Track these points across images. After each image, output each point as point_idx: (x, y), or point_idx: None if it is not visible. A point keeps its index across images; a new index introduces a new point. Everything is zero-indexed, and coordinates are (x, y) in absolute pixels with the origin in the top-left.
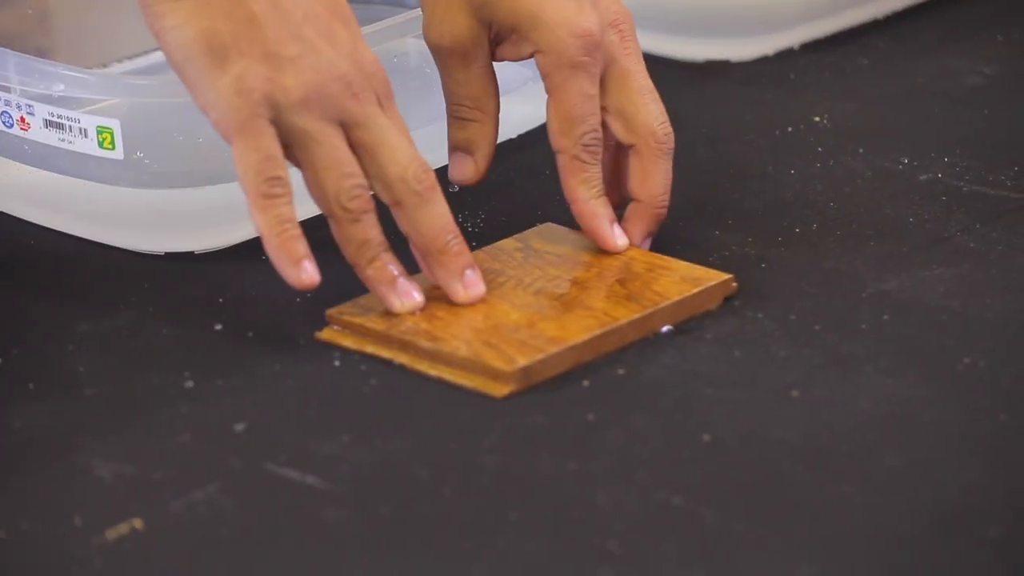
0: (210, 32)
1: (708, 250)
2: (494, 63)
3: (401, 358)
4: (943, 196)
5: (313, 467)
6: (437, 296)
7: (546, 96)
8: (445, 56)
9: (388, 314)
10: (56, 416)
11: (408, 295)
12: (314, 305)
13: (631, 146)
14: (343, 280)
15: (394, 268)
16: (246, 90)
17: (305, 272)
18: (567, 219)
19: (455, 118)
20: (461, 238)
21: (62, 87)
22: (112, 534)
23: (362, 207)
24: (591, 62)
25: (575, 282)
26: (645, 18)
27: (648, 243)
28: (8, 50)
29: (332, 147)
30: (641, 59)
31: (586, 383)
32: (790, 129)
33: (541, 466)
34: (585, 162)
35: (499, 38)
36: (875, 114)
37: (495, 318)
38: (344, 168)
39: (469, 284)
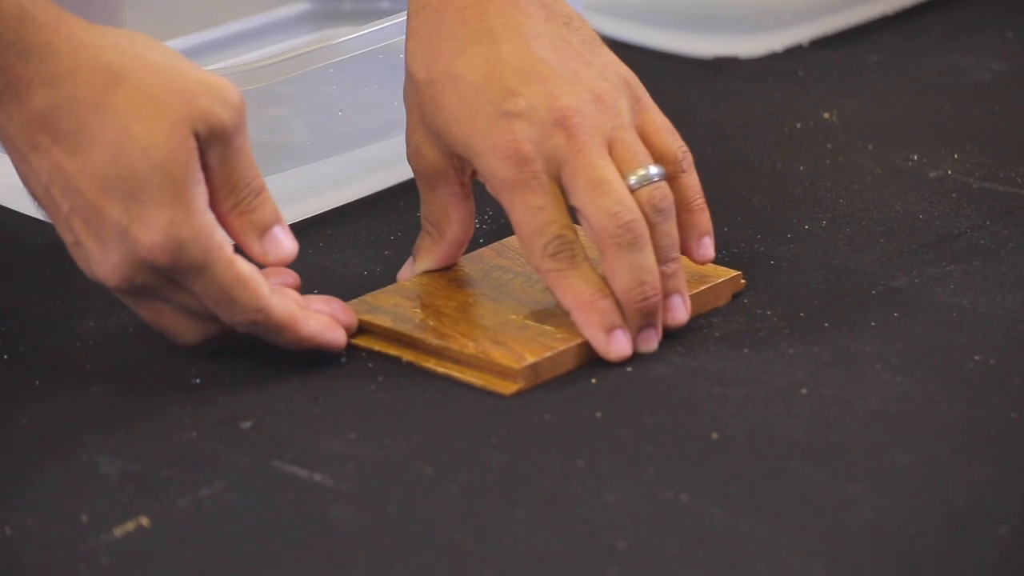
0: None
1: (717, 246)
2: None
3: (408, 355)
4: (953, 193)
5: (320, 465)
6: (443, 293)
7: None
8: (416, 175)
9: (395, 312)
10: (62, 413)
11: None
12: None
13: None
14: (345, 278)
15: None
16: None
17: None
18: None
19: (423, 227)
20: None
21: None
22: (119, 531)
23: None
24: (527, 175)
25: None
26: (655, 14)
27: (652, 336)
28: None
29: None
30: (599, 144)
31: (594, 380)
32: (799, 125)
33: (549, 464)
34: (560, 270)
35: (469, 164)
36: (884, 110)
37: (502, 315)
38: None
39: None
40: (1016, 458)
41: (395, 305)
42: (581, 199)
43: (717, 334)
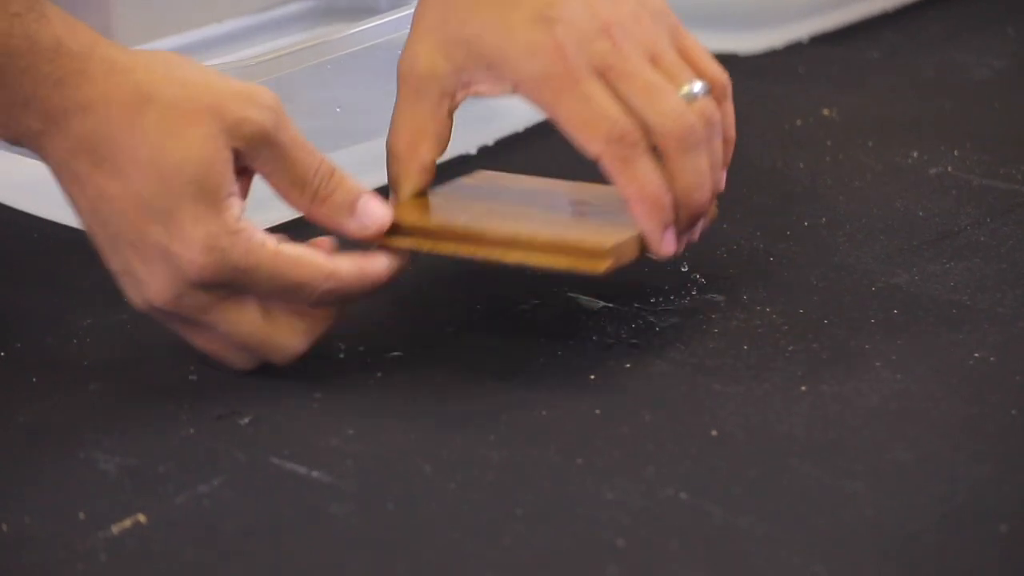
0: None
1: (716, 244)
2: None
3: (466, 250)
4: (953, 190)
5: (318, 461)
6: (468, 201)
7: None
8: (400, 84)
9: (442, 213)
10: (60, 410)
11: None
12: None
13: (655, 147)
14: None
15: None
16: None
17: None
18: None
19: (388, 154)
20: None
21: None
22: (117, 528)
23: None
24: (571, 67)
25: (604, 212)
26: None
27: (684, 242)
28: None
29: None
30: (642, 57)
31: (592, 377)
32: (799, 122)
33: (548, 461)
34: (627, 157)
35: (474, 79)
36: (885, 107)
37: (545, 215)
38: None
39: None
40: (1016, 456)
41: (416, 205)
42: (637, 102)
43: (716, 331)
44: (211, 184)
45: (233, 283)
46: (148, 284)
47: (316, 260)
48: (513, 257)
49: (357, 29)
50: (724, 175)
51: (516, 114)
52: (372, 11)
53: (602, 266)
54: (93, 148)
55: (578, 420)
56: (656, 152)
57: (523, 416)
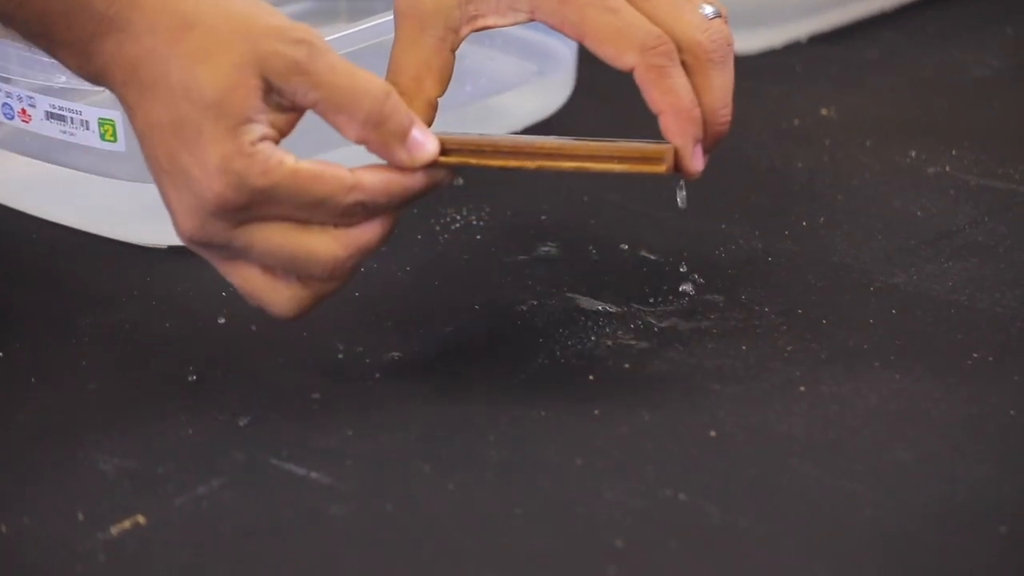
0: None
1: (715, 243)
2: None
3: (518, 162)
4: (951, 189)
5: (317, 462)
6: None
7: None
8: (400, 18)
9: (479, 135)
10: (58, 411)
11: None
12: None
13: (683, 62)
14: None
15: None
16: None
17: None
18: (580, 217)
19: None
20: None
21: (64, 78)
22: (116, 530)
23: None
24: None
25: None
26: None
27: (704, 163)
28: (9, 42)
29: None
30: None
31: (591, 377)
32: (797, 122)
33: (547, 461)
34: (663, 67)
35: (481, 11)
36: (883, 107)
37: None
38: None
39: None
40: (1016, 456)
41: (468, 134)
42: (664, 17)
43: (715, 331)
44: (232, 107)
45: (253, 206)
46: (177, 213)
47: (338, 173)
48: (570, 165)
49: (356, 29)
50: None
51: (515, 115)
52: (370, 12)
53: (663, 166)
54: (140, 77)
55: (577, 420)
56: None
57: (522, 416)
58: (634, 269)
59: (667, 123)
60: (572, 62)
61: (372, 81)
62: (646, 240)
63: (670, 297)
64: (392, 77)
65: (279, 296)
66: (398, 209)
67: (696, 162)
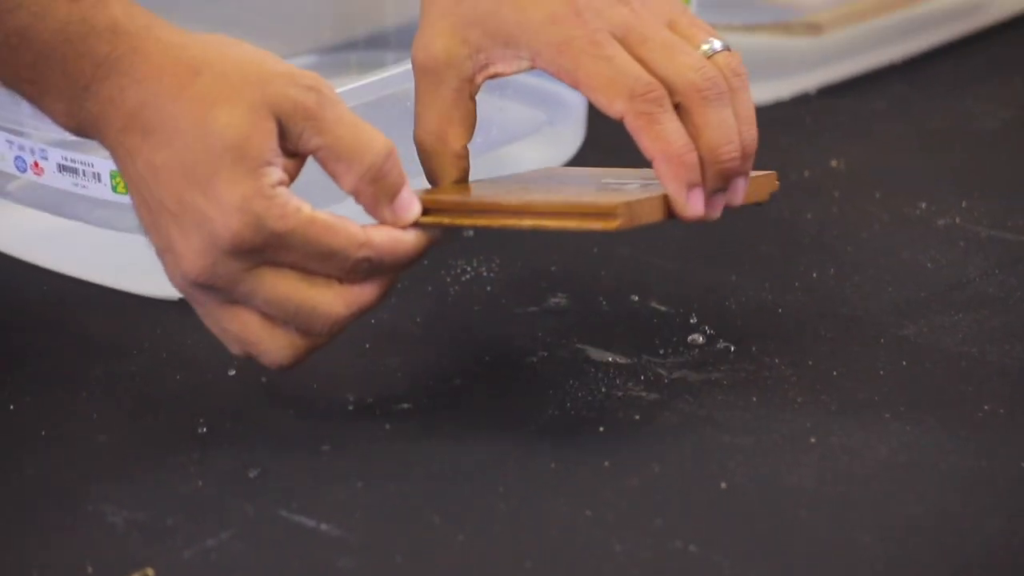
0: None
1: (725, 294)
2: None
3: (482, 221)
4: (961, 241)
5: (327, 514)
6: (497, 184)
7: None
8: (418, 74)
9: (459, 191)
10: (68, 462)
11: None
12: (326, 351)
13: (678, 105)
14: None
15: None
16: None
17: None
18: (590, 269)
19: (419, 150)
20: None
21: None
22: None
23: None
24: (591, 31)
25: (640, 186)
26: None
27: (719, 202)
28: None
29: None
30: (659, 21)
31: (601, 428)
32: (806, 173)
33: (556, 513)
34: (652, 113)
35: (491, 59)
36: (892, 158)
37: (571, 192)
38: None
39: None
40: None
41: (455, 190)
42: (657, 60)
43: (725, 382)
44: (250, 150)
45: (267, 249)
46: (184, 255)
47: (350, 228)
48: (526, 223)
49: (366, 81)
50: (755, 132)
51: (525, 165)
52: (380, 64)
53: (613, 223)
54: (144, 121)
55: (587, 472)
56: (681, 111)
57: (532, 468)
58: (644, 320)
59: (658, 169)
60: (582, 112)
61: (376, 137)
62: (656, 291)
63: (680, 348)
64: (417, 133)
65: (275, 344)
66: (399, 270)
67: (692, 207)
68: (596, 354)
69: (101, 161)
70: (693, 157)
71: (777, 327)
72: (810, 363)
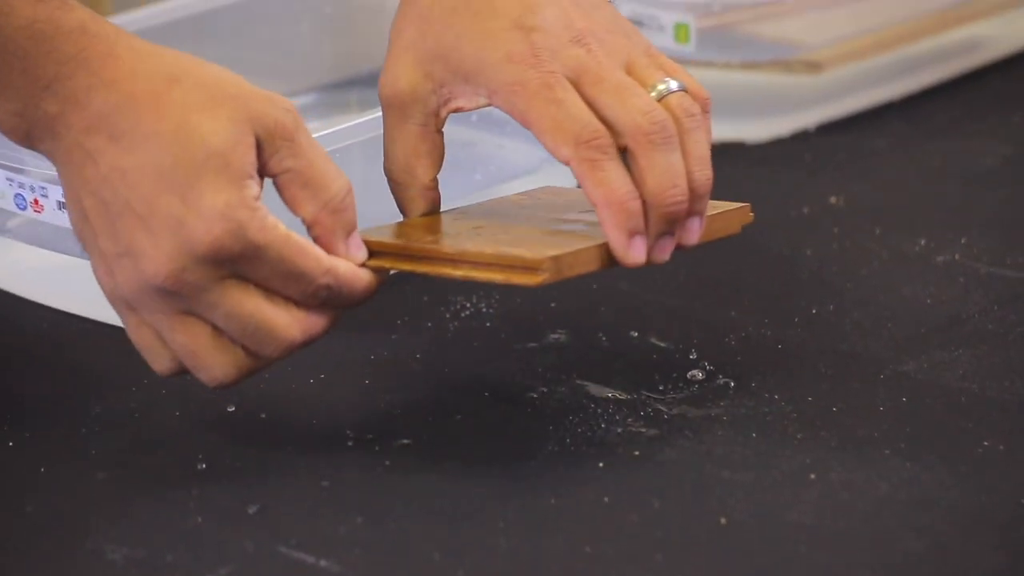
0: None
1: (724, 330)
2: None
3: (422, 268)
4: (960, 277)
5: (326, 550)
6: (448, 222)
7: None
8: (385, 109)
9: (404, 233)
10: (67, 500)
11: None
12: (326, 387)
13: (624, 149)
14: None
15: None
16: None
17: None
18: (589, 305)
19: (389, 182)
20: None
21: None
22: None
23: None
24: (545, 74)
25: (591, 223)
26: None
27: (667, 245)
28: None
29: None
30: (615, 63)
31: (601, 464)
32: (806, 210)
33: (556, 549)
34: (596, 160)
35: (453, 94)
36: (891, 195)
37: (515, 233)
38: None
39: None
40: None
41: (401, 231)
42: (607, 102)
43: (725, 418)
44: (236, 160)
45: (240, 260)
46: (151, 258)
47: (318, 253)
48: (459, 272)
49: (366, 119)
50: (709, 172)
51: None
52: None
53: (536, 279)
54: (113, 124)
55: (587, 508)
56: (628, 155)
57: (532, 504)
58: (644, 356)
59: (600, 215)
60: None
61: (340, 172)
62: (656, 327)
63: (680, 384)
64: (386, 166)
65: (220, 360)
66: (349, 306)
67: (633, 254)
68: (596, 390)
69: None
70: (636, 204)
71: (777, 363)
72: (810, 399)
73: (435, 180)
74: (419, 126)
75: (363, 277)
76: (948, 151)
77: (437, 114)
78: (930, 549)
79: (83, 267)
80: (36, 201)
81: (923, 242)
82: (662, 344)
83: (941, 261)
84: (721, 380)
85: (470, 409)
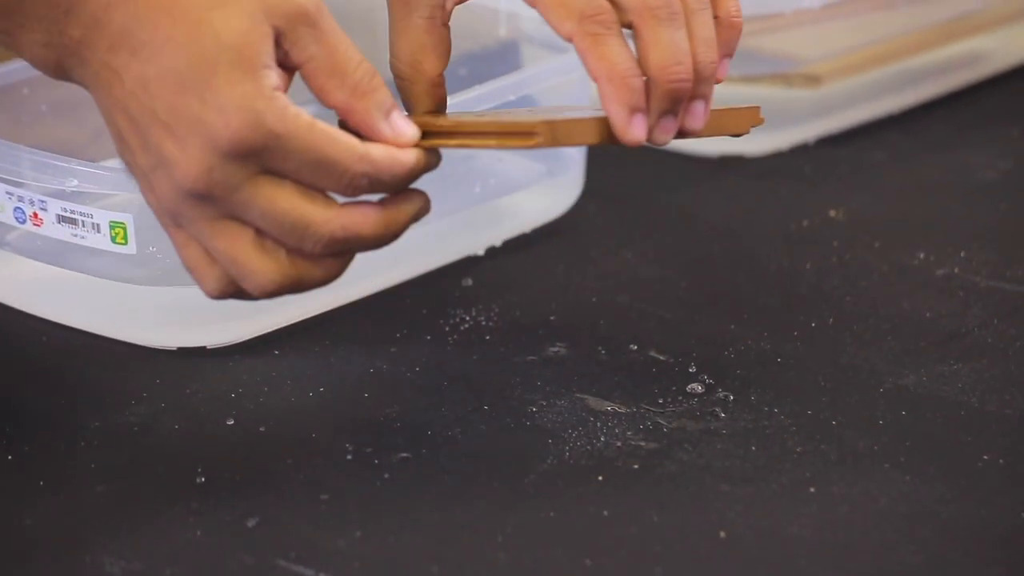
0: None
1: (724, 344)
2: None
3: (424, 143)
4: (960, 291)
5: (325, 563)
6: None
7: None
8: (389, 2)
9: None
10: (67, 513)
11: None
12: (325, 400)
13: (629, 25)
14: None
15: None
16: None
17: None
18: (589, 318)
19: (395, 79)
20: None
21: (75, 182)
22: None
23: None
24: None
25: (596, 110)
26: None
27: (670, 126)
28: (21, 146)
29: None
30: None
31: (600, 478)
32: (805, 223)
33: (555, 562)
34: (598, 34)
35: None
36: (891, 208)
37: (516, 115)
38: None
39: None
40: None
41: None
42: None
43: (724, 432)
44: (249, 51)
45: (265, 152)
46: (179, 163)
47: (350, 140)
48: (454, 142)
49: None
50: (726, 63)
51: (524, 215)
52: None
53: (531, 141)
54: (133, 36)
55: (586, 521)
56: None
57: (531, 517)
58: (643, 369)
59: (601, 90)
60: (581, 163)
61: (363, 56)
62: (655, 340)
63: (679, 398)
64: (391, 61)
65: (265, 266)
66: (397, 190)
67: (633, 131)
68: (595, 403)
69: (100, 212)
70: (637, 81)
71: (776, 376)
72: (809, 412)
73: (442, 76)
74: (425, 19)
75: (403, 160)
76: (948, 164)
77: (443, 6)
78: (929, 562)
79: (82, 280)
80: (35, 215)
81: (923, 255)
82: (661, 357)
83: (941, 274)
84: (721, 393)
85: (469, 423)
